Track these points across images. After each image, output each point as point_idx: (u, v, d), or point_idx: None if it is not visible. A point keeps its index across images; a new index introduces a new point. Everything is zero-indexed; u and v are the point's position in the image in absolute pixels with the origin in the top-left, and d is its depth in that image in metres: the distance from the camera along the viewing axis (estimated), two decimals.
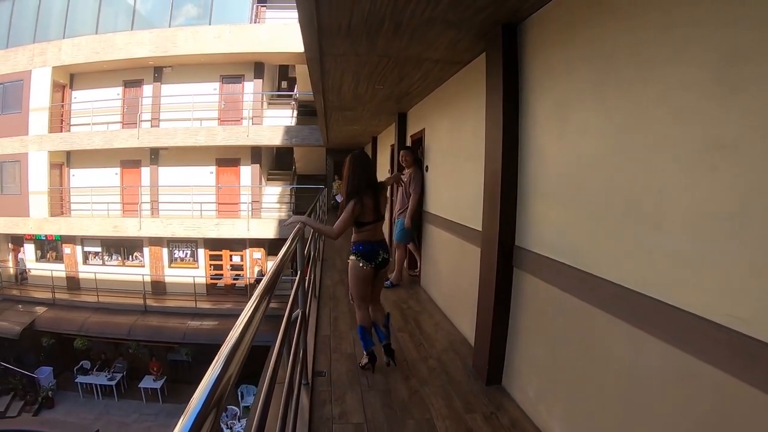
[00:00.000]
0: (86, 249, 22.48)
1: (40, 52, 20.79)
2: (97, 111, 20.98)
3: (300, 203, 20.28)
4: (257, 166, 21.28)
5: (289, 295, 3.22)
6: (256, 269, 21.28)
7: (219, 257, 21.91)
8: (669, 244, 2.26)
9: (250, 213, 20.25)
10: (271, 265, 2.47)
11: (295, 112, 21.61)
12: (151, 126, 20.83)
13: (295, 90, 21.91)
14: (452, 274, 6.31)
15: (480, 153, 4.55)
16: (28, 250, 22.98)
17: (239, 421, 15.36)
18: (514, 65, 3.97)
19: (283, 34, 18.56)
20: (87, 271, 21.94)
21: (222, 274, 22.02)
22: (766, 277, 1.78)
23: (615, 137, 2.71)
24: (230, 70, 20.73)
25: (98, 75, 21.30)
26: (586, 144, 3.01)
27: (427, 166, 7.60)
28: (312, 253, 6.03)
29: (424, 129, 7.89)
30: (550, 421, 3.44)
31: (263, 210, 21.06)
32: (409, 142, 9.12)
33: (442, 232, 6.64)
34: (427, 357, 5.10)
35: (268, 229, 19.94)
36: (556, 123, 3.40)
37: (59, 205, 21.85)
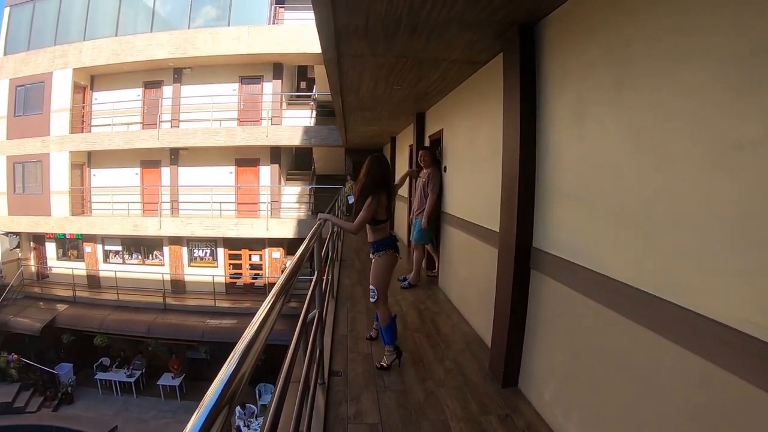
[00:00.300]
0: (107, 248, 22.71)
1: (61, 54, 21.05)
2: (118, 112, 21.20)
3: (319, 203, 20.29)
4: (276, 166, 21.31)
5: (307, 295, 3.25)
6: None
7: (238, 256, 21.98)
8: (686, 247, 2.24)
9: (269, 213, 20.28)
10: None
11: (314, 113, 21.58)
12: (171, 126, 20.97)
13: (314, 90, 21.88)
14: (470, 275, 6.29)
15: (498, 153, 4.54)
16: (50, 249, 23.23)
17: (256, 419, 15.42)
18: (531, 65, 3.96)
19: (302, 35, 18.60)
20: (107, 270, 22.17)
21: (241, 274, 22.09)
22: None
23: (631, 137, 2.69)
24: (249, 70, 20.78)
25: (118, 76, 21.50)
26: (603, 144, 2.99)
27: (445, 167, 7.59)
28: (330, 253, 6.04)
29: (442, 129, 7.88)
30: (566, 424, 3.43)
31: (282, 210, 21.09)
32: (427, 143, 9.11)
33: (460, 233, 6.62)
34: (444, 358, 5.09)
35: (287, 229, 19.97)
36: (573, 123, 3.38)
37: (80, 204, 22.10)
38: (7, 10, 22.44)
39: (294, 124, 20.71)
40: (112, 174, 22.25)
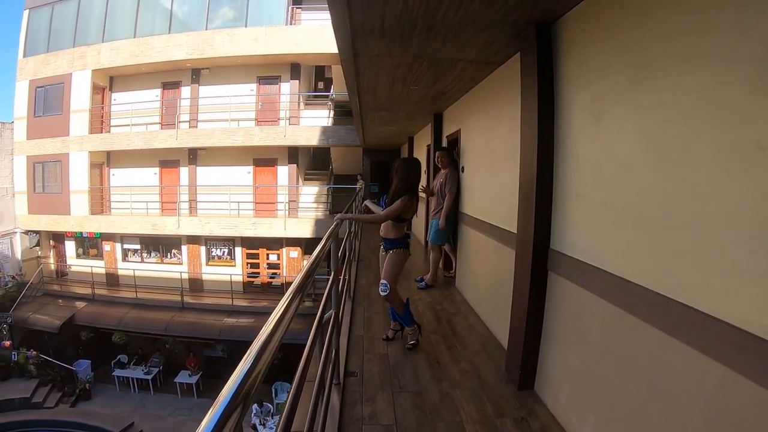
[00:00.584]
0: (125, 246, 22.92)
1: (80, 55, 21.34)
2: (136, 112, 21.42)
3: (336, 203, 20.32)
4: (294, 166, 21.36)
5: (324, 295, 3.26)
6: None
7: (256, 256, 22.08)
8: (704, 249, 2.20)
9: (287, 212, 20.35)
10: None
11: (332, 113, 21.58)
12: (190, 126, 21.13)
13: (332, 90, 21.90)
14: (487, 276, 6.27)
15: (515, 154, 4.51)
16: (69, 247, 23.51)
17: (272, 418, 15.51)
18: (548, 65, 3.93)
19: (319, 36, 18.64)
20: (126, 268, 22.38)
21: (258, 273, 22.19)
22: None
23: (648, 138, 2.66)
24: (267, 71, 20.87)
25: (137, 77, 21.74)
26: (620, 145, 2.96)
27: (463, 167, 7.56)
28: (347, 253, 6.05)
29: (459, 129, 7.86)
30: (581, 428, 3.39)
31: (300, 210, 21.15)
32: (444, 143, 9.09)
33: (478, 234, 6.60)
34: (460, 359, 5.06)
35: (304, 229, 20.03)
36: (590, 123, 3.34)
37: (99, 203, 22.32)
38: (26, 13, 22.72)
39: (312, 124, 20.76)
40: (131, 173, 22.46)
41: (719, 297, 2.11)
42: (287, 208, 20.46)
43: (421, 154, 13.19)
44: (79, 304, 20.65)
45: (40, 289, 22.03)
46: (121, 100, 22.16)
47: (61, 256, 23.92)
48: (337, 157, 23.34)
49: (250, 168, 21.77)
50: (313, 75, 23.29)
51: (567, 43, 3.73)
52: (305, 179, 22.75)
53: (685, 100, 2.35)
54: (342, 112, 20.44)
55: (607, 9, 3.11)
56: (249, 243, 21.69)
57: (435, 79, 6.38)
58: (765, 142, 1.88)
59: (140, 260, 22.84)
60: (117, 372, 19.39)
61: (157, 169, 22.46)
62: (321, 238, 3.38)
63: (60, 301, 21.35)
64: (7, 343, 19.35)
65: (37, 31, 22.45)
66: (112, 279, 22.49)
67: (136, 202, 21.77)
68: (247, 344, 1.27)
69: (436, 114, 9.52)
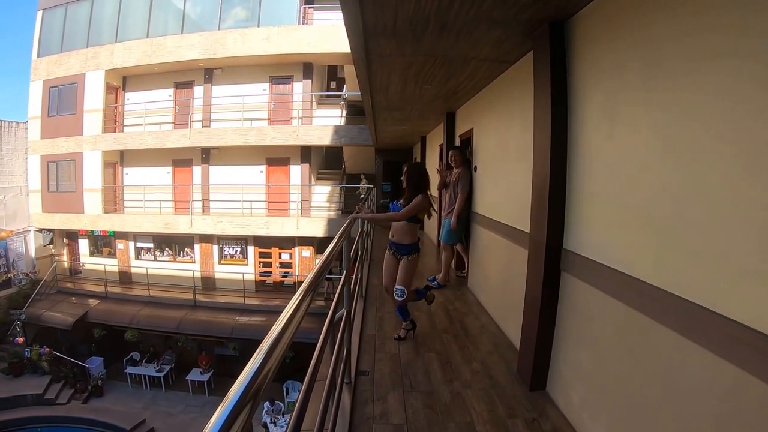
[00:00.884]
0: (138, 245, 23.06)
1: (93, 56, 21.47)
2: (150, 112, 21.56)
3: (349, 202, 20.34)
4: (307, 165, 21.38)
5: (336, 294, 3.26)
6: None
7: (268, 255, 22.15)
8: (718, 250, 2.18)
9: (299, 212, 20.38)
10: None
11: (344, 112, 21.60)
12: (202, 126, 21.19)
13: (344, 90, 21.90)
14: (499, 275, 6.25)
15: (528, 153, 4.49)
16: (82, 245, 23.68)
17: (283, 416, 15.54)
18: (561, 63, 3.91)
19: (331, 35, 18.64)
20: (139, 266, 22.57)
21: (271, 272, 22.25)
22: None
23: (662, 137, 2.64)
24: (279, 70, 20.90)
25: (150, 77, 21.86)
26: (634, 144, 2.94)
27: (475, 166, 7.54)
28: (359, 252, 6.06)
29: (472, 129, 7.83)
30: (593, 429, 3.38)
31: (312, 209, 21.16)
32: (457, 142, 9.07)
33: (490, 233, 6.58)
34: (471, 359, 5.05)
35: (317, 228, 20.05)
36: (604, 122, 3.32)
37: (113, 202, 22.45)
38: (39, 14, 22.89)
39: (324, 124, 20.75)
40: (144, 173, 22.59)
41: (732, 297, 2.10)
42: (300, 207, 20.49)
43: (433, 154, 13.20)
44: (92, 302, 20.84)
45: (53, 287, 22.23)
46: (134, 99, 22.31)
47: (74, 254, 24.10)
48: (350, 157, 23.33)
49: (263, 167, 21.81)
50: (325, 75, 23.34)
51: (580, 41, 3.71)
52: (317, 178, 22.75)
53: (699, 99, 2.33)
54: (354, 112, 20.43)
55: (620, 7, 3.09)
56: (261, 242, 21.77)
57: (447, 77, 6.37)
58: None
59: (153, 258, 22.96)
60: (129, 369, 19.50)
61: (170, 169, 22.57)
62: (333, 238, 3.38)
63: (73, 298, 21.52)
64: (21, 339, 19.53)
65: (51, 32, 22.61)
66: (125, 277, 22.65)
67: (149, 201, 21.86)
68: (258, 343, 1.27)
69: (448, 113, 9.51)
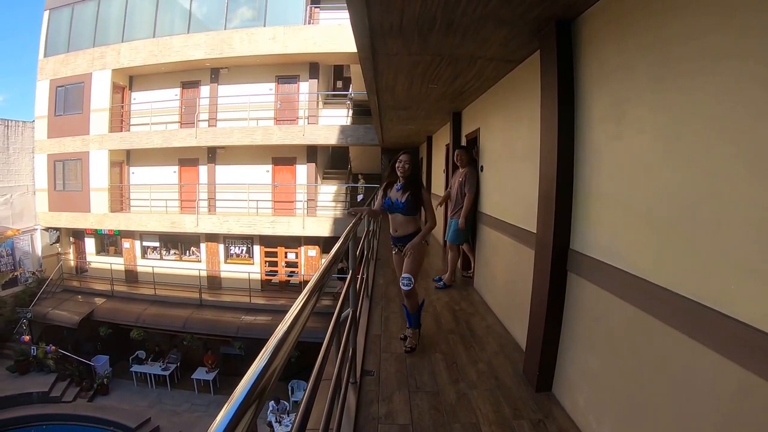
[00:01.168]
0: (145, 244, 23.14)
1: (100, 55, 21.57)
2: (156, 111, 21.61)
3: (355, 202, 20.36)
4: (313, 164, 21.37)
5: (341, 293, 3.26)
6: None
7: (274, 254, 22.20)
8: (728, 252, 2.16)
9: (305, 211, 20.42)
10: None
11: (350, 112, 21.59)
12: (209, 125, 21.23)
13: (350, 90, 21.94)
14: (505, 276, 6.24)
15: (535, 153, 4.47)
16: (89, 244, 23.77)
17: (288, 416, 15.56)
18: (569, 63, 3.90)
19: (337, 35, 18.67)
20: (145, 265, 22.64)
21: (277, 271, 22.29)
22: None
23: (671, 138, 2.62)
24: (285, 70, 20.90)
25: (156, 77, 21.92)
26: (642, 145, 2.92)
27: (482, 166, 7.52)
28: (365, 251, 6.05)
29: (479, 128, 7.82)
30: (599, 431, 3.37)
31: (318, 208, 21.17)
32: (464, 142, 9.04)
33: (497, 234, 6.56)
34: (477, 360, 5.03)
35: (323, 228, 20.09)
36: (612, 122, 3.31)
37: (119, 201, 22.54)
38: (46, 14, 23.01)
39: (330, 124, 20.75)
40: (150, 172, 22.64)
41: (739, 298, 2.09)
42: (306, 206, 20.52)
43: (439, 154, 13.20)
44: (98, 300, 20.90)
45: (59, 285, 22.31)
46: (140, 99, 22.37)
47: (80, 253, 24.22)
48: (356, 156, 23.36)
49: (269, 167, 21.84)
50: (331, 74, 23.35)
51: (587, 40, 3.69)
52: (324, 178, 22.78)
53: (708, 100, 2.31)
54: (360, 112, 20.46)
55: (627, 7, 3.09)
56: (267, 241, 21.81)
57: (454, 77, 6.36)
58: None
59: (159, 257, 23.04)
60: (135, 368, 19.57)
61: (176, 168, 22.63)
62: (339, 237, 3.38)
63: (79, 297, 21.59)
64: (27, 338, 19.59)
65: (58, 32, 22.73)
66: (131, 276, 22.72)
67: (156, 200, 21.97)
68: (264, 342, 1.27)
69: (455, 113, 9.48)
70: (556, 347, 4.16)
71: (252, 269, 21.86)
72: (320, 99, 21.60)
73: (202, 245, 22.33)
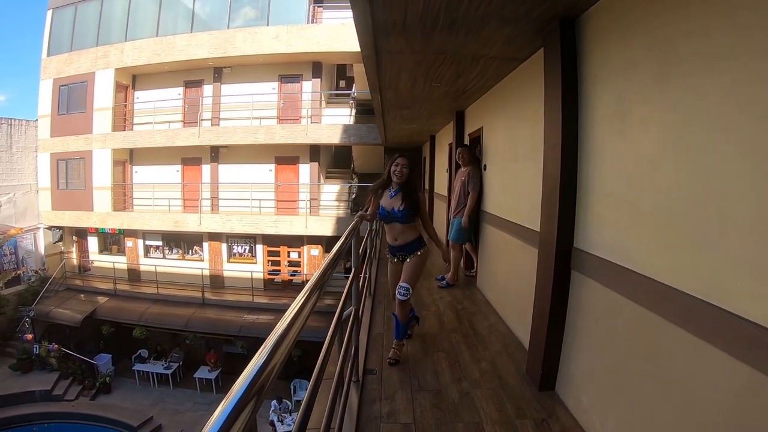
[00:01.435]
0: (147, 243, 23.18)
1: (103, 54, 21.62)
2: (159, 110, 21.64)
3: (358, 201, 20.36)
4: (316, 164, 21.40)
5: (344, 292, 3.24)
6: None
7: (277, 253, 22.21)
8: (734, 250, 2.14)
9: (308, 210, 20.45)
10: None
11: (354, 111, 21.59)
12: (212, 125, 21.25)
13: (353, 89, 21.92)
14: (509, 275, 6.22)
15: (539, 151, 4.45)
16: (92, 243, 23.82)
17: (291, 415, 15.57)
18: (572, 61, 3.87)
19: (340, 34, 18.67)
20: (148, 264, 22.70)
21: (279, 270, 22.30)
22: None
23: (676, 137, 2.60)
24: (288, 69, 20.91)
25: (159, 76, 21.96)
26: (647, 143, 2.90)
27: (485, 165, 7.50)
28: (368, 250, 6.03)
29: (482, 127, 7.79)
30: (603, 431, 3.35)
31: (321, 208, 21.19)
32: (467, 141, 9.00)
33: (500, 232, 6.54)
34: (480, 359, 5.02)
35: (325, 227, 20.10)
36: (616, 120, 3.29)
37: (122, 200, 22.59)
38: (49, 13, 23.06)
39: (333, 123, 20.74)
40: (153, 171, 22.66)
41: (747, 297, 2.07)
42: (308, 206, 20.55)
43: (442, 153, 13.18)
44: (101, 299, 20.96)
45: (62, 284, 22.37)
46: (143, 98, 22.41)
47: (83, 252, 24.28)
48: (359, 155, 23.35)
49: (272, 166, 21.85)
50: (334, 73, 23.34)
51: (591, 38, 3.67)
52: (326, 177, 22.78)
53: (714, 98, 2.29)
54: (363, 111, 20.40)
55: (631, 4, 3.07)
56: (270, 240, 21.80)
57: (457, 75, 6.34)
58: None
59: (162, 256, 23.07)
60: (137, 366, 19.62)
61: (179, 167, 22.65)
62: (341, 236, 3.37)
63: (82, 295, 21.65)
64: (30, 336, 19.66)
65: (61, 31, 22.77)
66: (134, 274, 22.77)
67: (159, 199, 21.98)
68: None
69: (458, 112, 9.46)
70: (559, 346, 4.14)
71: (255, 268, 21.85)
72: (323, 98, 21.63)
73: (205, 244, 22.35)
